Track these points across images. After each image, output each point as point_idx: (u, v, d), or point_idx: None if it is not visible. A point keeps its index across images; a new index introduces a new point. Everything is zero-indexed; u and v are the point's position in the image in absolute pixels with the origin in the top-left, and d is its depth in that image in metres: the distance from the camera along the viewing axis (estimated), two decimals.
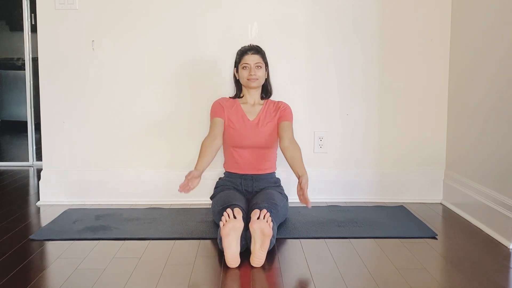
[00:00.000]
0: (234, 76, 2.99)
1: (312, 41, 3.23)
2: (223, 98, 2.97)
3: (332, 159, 3.30)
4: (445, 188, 3.25)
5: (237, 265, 2.23)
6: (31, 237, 2.61)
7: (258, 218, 2.30)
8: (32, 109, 4.77)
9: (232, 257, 2.23)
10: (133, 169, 3.28)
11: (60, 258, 2.36)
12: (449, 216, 3.02)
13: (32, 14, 4.66)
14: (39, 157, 4.51)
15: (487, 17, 2.79)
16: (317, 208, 3.09)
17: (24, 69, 4.84)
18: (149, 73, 3.24)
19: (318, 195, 3.28)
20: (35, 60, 4.68)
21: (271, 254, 2.37)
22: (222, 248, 2.27)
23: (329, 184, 3.29)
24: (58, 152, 3.28)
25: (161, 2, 3.20)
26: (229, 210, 2.32)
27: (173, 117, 3.26)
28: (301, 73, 3.25)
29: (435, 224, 2.84)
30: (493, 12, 2.72)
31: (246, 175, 2.88)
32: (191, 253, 2.40)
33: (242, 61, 2.88)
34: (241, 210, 2.40)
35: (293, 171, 2.68)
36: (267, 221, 2.27)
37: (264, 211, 2.33)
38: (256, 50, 2.91)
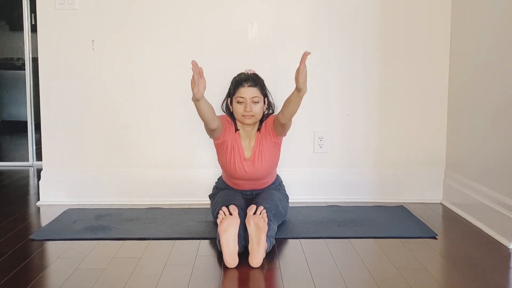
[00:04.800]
0: (228, 106, 2.72)
1: (312, 41, 3.23)
2: (229, 119, 2.70)
3: (332, 159, 3.30)
4: (445, 188, 3.25)
5: (235, 265, 2.23)
6: (31, 237, 2.61)
7: (254, 213, 2.31)
8: (32, 109, 4.77)
9: (230, 256, 2.22)
10: (133, 169, 3.28)
11: (60, 258, 2.36)
12: (449, 216, 3.02)
13: (32, 14, 4.66)
14: (39, 157, 4.51)
15: (487, 17, 2.79)
16: (317, 208, 3.09)
17: (24, 69, 4.84)
18: (148, 72, 3.24)
19: (318, 195, 3.28)
20: (35, 60, 4.68)
21: (271, 254, 2.37)
22: (221, 249, 2.27)
23: (329, 184, 3.29)
24: (58, 152, 3.28)
25: (161, 2, 3.20)
26: (224, 208, 2.33)
27: (173, 117, 3.26)
28: None
29: (435, 224, 2.84)
30: (493, 11, 2.72)
31: (246, 191, 2.82)
32: (191, 253, 2.40)
33: (237, 94, 2.60)
34: (236, 207, 2.40)
35: (292, 93, 2.48)
36: (262, 217, 2.29)
37: (261, 207, 2.35)
38: (254, 81, 2.62)
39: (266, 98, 2.69)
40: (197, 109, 2.44)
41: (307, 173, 3.28)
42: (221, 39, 3.21)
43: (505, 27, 2.59)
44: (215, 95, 3.16)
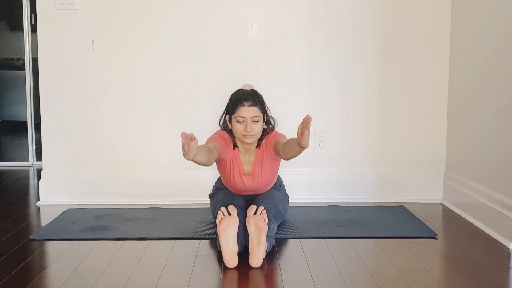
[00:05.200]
0: (225, 122, 2.62)
1: (312, 40, 3.23)
2: (227, 136, 2.62)
3: (332, 159, 3.30)
4: (445, 188, 3.25)
5: (235, 265, 2.23)
6: (31, 237, 2.61)
7: (254, 213, 2.31)
8: (32, 109, 4.77)
9: (230, 257, 2.23)
10: (133, 169, 3.28)
11: (60, 258, 2.36)
12: (449, 216, 3.02)
13: (32, 14, 4.66)
14: (39, 157, 4.51)
15: (487, 17, 2.79)
16: (317, 208, 3.09)
17: (24, 69, 4.84)
18: (148, 72, 3.24)
19: (318, 195, 3.28)
20: (35, 60, 4.68)
21: (271, 254, 2.37)
22: (220, 249, 2.27)
23: (329, 184, 3.29)
24: (58, 152, 3.28)
25: (162, 2, 3.20)
26: (223, 208, 2.32)
27: (173, 116, 3.26)
28: (301, 73, 3.25)
29: (435, 224, 2.84)
30: (493, 11, 2.72)
31: (246, 195, 2.78)
32: (191, 253, 2.40)
33: (237, 114, 2.51)
34: (236, 207, 2.40)
35: (295, 142, 2.34)
36: (262, 217, 2.28)
37: (261, 207, 2.34)
38: (254, 100, 2.52)
39: (265, 115, 2.62)
40: (193, 162, 2.30)
41: (307, 173, 3.28)
42: (221, 39, 3.21)
43: (505, 27, 2.59)
44: (215, 96, 3.17)
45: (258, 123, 2.54)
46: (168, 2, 3.19)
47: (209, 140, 2.59)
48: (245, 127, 2.51)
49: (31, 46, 4.79)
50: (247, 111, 2.50)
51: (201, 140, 3.22)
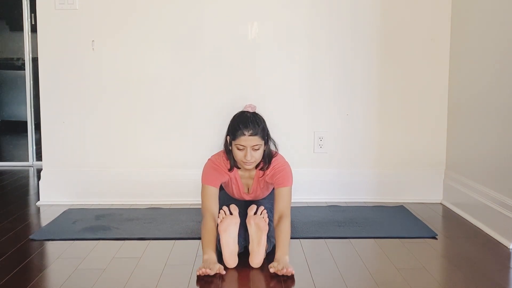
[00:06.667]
0: (226, 141, 2.51)
1: (312, 40, 3.23)
2: (221, 164, 2.53)
3: (332, 159, 3.30)
4: (445, 188, 3.25)
5: (235, 265, 2.23)
6: (31, 237, 2.61)
7: (255, 213, 2.30)
8: (32, 109, 4.77)
9: (230, 256, 2.23)
10: (133, 169, 3.28)
11: (60, 258, 2.36)
12: (449, 216, 3.02)
13: (32, 14, 4.66)
14: (39, 157, 4.51)
15: (487, 16, 2.79)
16: (317, 208, 3.09)
17: (24, 69, 4.84)
18: (148, 72, 3.24)
19: (318, 195, 3.28)
20: (35, 60, 4.68)
21: (271, 254, 2.36)
22: (221, 248, 2.27)
23: (329, 184, 3.29)
24: (58, 152, 3.28)
25: (161, 2, 3.19)
26: (225, 208, 2.32)
27: (173, 116, 3.26)
28: (301, 73, 3.25)
29: (435, 224, 2.84)
30: (493, 11, 2.72)
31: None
32: (191, 253, 2.40)
33: (237, 141, 2.42)
34: (237, 206, 2.40)
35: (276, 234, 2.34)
36: (263, 217, 2.28)
37: (262, 207, 2.34)
38: (254, 129, 2.41)
39: (267, 138, 2.51)
40: None
41: (307, 173, 3.28)
42: (221, 39, 3.21)
43: (505, 27, 2.59)
44: (214, 96, 3.17)
45: (258, 150, 2.45)
46: (167, 1, 3.19)
47: (204, 180, 2.50)
48: (245, 155, 2.44)
49: (31, 46, 4.79)
50: (247, 140, 2.41)
51: (201, 140, 3.24)
